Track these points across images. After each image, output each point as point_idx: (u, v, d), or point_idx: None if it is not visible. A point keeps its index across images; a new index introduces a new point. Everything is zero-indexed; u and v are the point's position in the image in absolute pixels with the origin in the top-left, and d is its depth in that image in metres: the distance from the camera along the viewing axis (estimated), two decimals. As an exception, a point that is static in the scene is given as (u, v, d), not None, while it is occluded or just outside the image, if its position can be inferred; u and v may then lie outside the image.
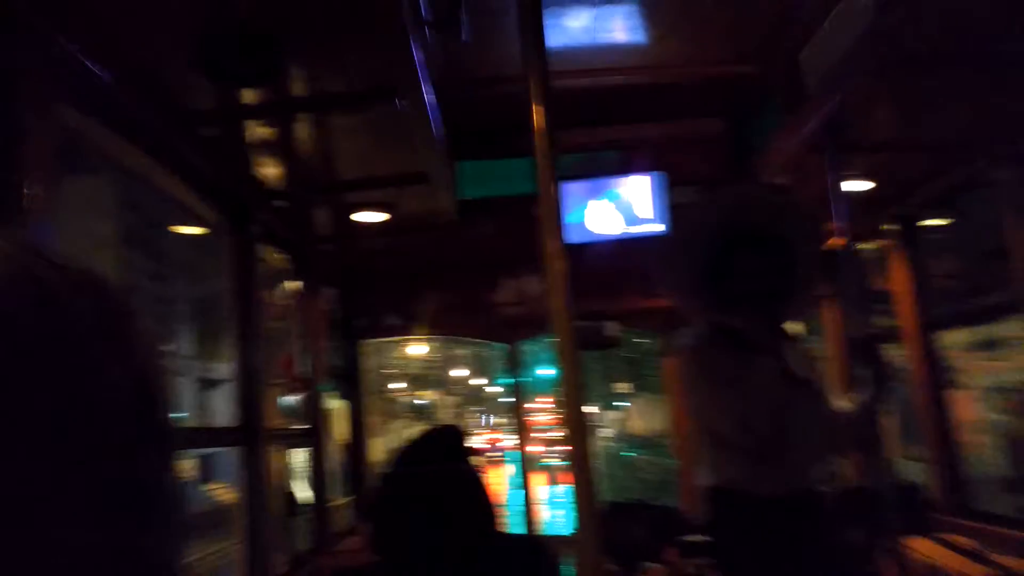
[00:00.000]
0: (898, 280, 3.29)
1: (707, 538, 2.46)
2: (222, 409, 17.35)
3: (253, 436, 2.57)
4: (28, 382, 0.35)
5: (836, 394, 2.43)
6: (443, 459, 1.98)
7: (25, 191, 1.32)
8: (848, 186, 2.44)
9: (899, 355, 3.37)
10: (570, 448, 1.24)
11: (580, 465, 1.23)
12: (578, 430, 1.25)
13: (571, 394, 1.22)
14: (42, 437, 0.35)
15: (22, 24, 1.35)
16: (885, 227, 3.31)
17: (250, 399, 2.59)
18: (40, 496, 0.35)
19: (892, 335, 3.35)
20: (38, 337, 0.36)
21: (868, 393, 2.30)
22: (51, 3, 1.40)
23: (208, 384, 17.79)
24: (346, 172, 2.74)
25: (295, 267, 3.41)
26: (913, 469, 3.77)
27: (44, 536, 0.34)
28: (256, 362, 2.62)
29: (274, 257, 3.17)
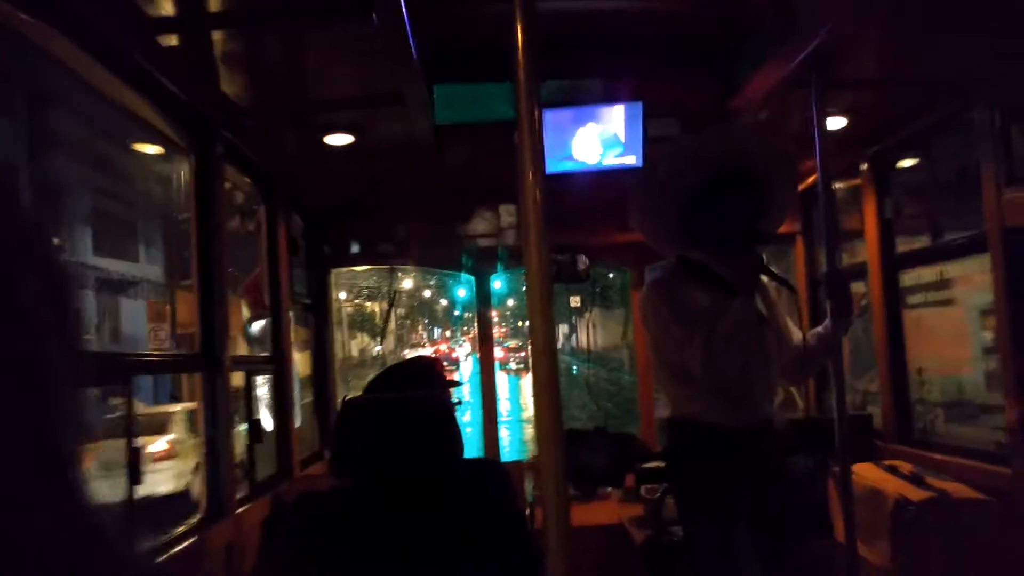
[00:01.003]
0: (868, 219, 3.32)
1: (663, 465, 2.52)
2: (131, 316, 15.71)
3: (214, 362, 2.53)
4: None
5: (797, 328, 2.47)
6: (416, 387, 1.97)
7: None
8: (827, 123, 2.42)
9: (865, 292, 3.43)
10: (538, 380, 1.22)
11: (548, 396, 1.21)
12: (547, 363, 1.23)
13: (541, 327, 1.19)
14: None
15: None
16: (860, 167, 3.32)
17: (211, 325, 2.54)
18: None
19: (859, 272, 3.40)
20: None
21: (828, 325, 2.34)
22: None
23: (110, 287, 16.00)
24: (317, 91, 2.63)
25: (262, 191, 3.32)
26: (869, 400, 3.90)
27: None
28: (218, 287, 2.56)
29: (240, 179, 3.08)
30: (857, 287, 3.34)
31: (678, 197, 2.28)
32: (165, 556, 2.03)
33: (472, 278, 4.25)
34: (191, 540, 2.22)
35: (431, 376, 2.22)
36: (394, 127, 2.80)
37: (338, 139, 2.92)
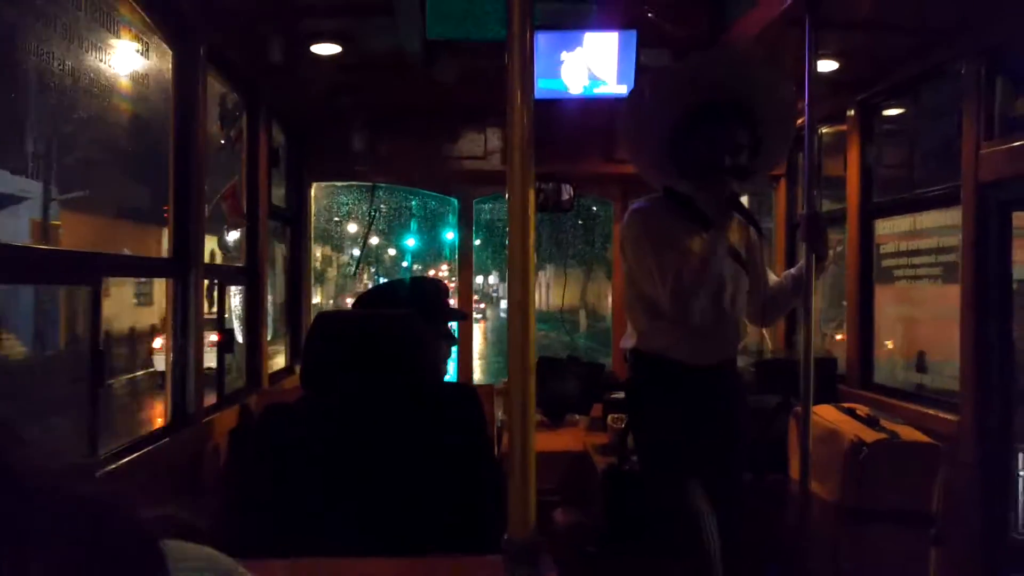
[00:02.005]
0: (850, 165, 3.32)
1: (626, 395, 2.57)
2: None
3: (185, 268, 2.51)
4: None
5: (772, 269, 2.49)
6: (416, 307, 1.96)
7: None
8: (817, 66, 2.39)
9: (840, 238, 3.47)
10: (513, 307, 1.23)
11: (521, 318, 1.23)
12: (523, 289, 1.24)
13: (520, 257, 1.19)
14: None
15: None
16: (847, 112, 3.31)
17: (184, 229, 2.51)
18: None
19: (838, 218, 3.43)
20: None
21: (801, 268, 2.35)
22: None
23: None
24: None
25: (244, 98, 3.24)
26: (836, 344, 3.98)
27: None
28: (194, 192, 2.52)
29: (223, 83, 3.01)
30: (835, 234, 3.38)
31: (665, 123, 2.24)
32: (126, 461, 2.04)
33: (456, 203, 4.22)
34: (155, 446, 2.22)
35: (433, 301, 2.18)
36: (383, 39, 2.73)
37: (324, 48, 2.84)
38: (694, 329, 2.24)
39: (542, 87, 2.92)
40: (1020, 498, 2.51)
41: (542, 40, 2.86)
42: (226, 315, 3.13)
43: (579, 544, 3.13)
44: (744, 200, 3.44)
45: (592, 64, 2.99)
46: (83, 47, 1.97)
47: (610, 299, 4.51)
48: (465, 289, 4.26)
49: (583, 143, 3.77)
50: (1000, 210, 2.50)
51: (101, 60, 2.04)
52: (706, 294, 2.17)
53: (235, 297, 3.60)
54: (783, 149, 2.39)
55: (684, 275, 2.14)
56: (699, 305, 2.17)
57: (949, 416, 2.65)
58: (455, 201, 4.24)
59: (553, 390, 3.72)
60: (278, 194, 3.82)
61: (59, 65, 1.87)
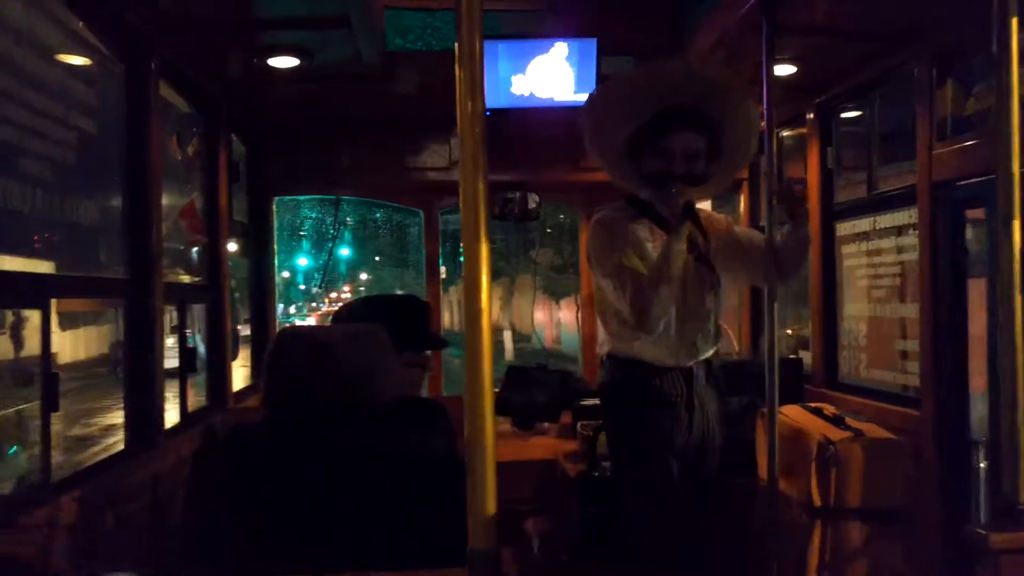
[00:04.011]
0: (810, 168, 3.37)
1: (598, 400, 2.57)
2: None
3: (143, 288, 2.45)
4: None
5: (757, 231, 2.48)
6: (394, 328, 1.92)
7: None
8: (776, 70, 2.42)
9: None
10: (471, 318, 1.22)
11: (477, 331, 1.21)
12: (478, 300, 1.22)
13: (475, 267, 1.18)
14: None
15: None
16: (806, 115, 3.36)
17: (141, 248, 2.44)
18: None
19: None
20: None
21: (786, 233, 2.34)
22: None
23: None
24: (261, 9, 2.52)
25: (202, 112, 3.19)
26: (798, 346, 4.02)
27: None
28: (150, 209, 2.47)
29: (177, 99, 2.96)
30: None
31: (622, 132, 2.26)
32: (82, 486, 1.97)
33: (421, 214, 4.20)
34: (114, 470, 2.17)
35: (417, 325, 2.12)
36: (342, 51, 2.71)
37: (283, 61, 2.81)
38: (663, 332, 2.26)
39: (504, 96, 2.92)
40: (981, 491, 2.55)
41: (504, 49, 2.87)
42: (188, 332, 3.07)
43: (553, 553, 3.12)
44: (708, 205, 3.48)
45: (554, 72, 3.00)
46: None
47: (537, 313, 4.51)
48: (433, 294, 4.24)
49: (548, 151, 3.77)
50: (953, 208, 2.55)
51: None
52: (666, 300, 2.19)
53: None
54: (745, 153, 2.41)
55: (643, 283, 2.16)
56: (658, 312, 2.19)
57: (911, 411, 2.69)
58: (421, 212, 4.23)
59: (522, 399, 3.70)
60: (239, 209, 3.77)
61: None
